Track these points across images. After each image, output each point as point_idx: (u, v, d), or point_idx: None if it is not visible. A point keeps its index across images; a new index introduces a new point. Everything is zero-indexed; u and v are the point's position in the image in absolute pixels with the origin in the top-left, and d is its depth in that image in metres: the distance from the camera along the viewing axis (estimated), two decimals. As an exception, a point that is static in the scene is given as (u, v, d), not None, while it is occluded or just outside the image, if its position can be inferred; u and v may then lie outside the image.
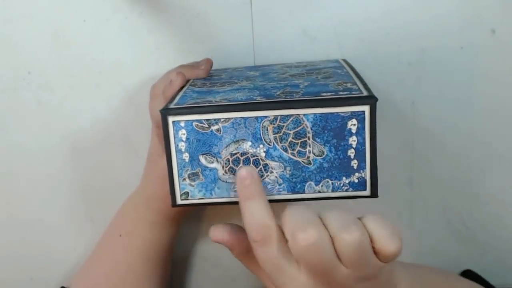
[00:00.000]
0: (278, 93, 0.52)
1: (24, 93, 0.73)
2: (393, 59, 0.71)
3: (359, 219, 0.48)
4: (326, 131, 0.49)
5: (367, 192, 0.50)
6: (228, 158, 0.50)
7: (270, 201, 0.50)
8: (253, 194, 0.48)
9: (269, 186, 0.51)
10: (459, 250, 0.79)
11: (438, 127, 0.73)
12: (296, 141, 0.49)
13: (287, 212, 0.47)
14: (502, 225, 0.78)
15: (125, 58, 0.72)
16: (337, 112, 0.48)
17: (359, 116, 0.48)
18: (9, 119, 0.74)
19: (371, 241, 0.46)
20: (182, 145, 0.50)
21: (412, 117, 0.73)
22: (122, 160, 0.76)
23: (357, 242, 0.44)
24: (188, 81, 0.62)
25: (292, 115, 0.49)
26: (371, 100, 0.48)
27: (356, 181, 0.50)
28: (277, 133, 0.49)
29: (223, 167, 0.50)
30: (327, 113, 0.48)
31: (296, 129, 0.49)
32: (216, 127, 0.49)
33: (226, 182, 0.51)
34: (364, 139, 0.49)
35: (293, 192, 0.51)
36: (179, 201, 0.52)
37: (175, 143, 0.50)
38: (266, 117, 0.49)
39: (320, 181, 0.50)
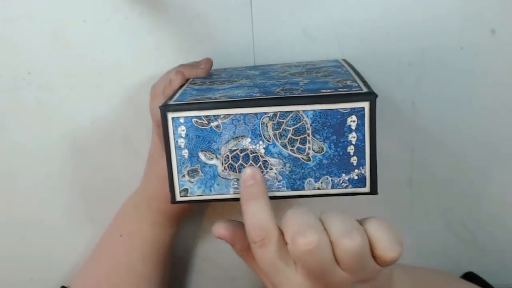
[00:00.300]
0: (277, 90, 0.52)
1: (24, 93, 0.73)
2: (393, 59, 0.71)
3: (360, 222, 0.48)
4: (325, 128, 0.49)
5: (367, 188, 0.50)
6: (227, 155, 0.50)
7: (270, 197, 0.50)
8: (256, 195, 0.48)
9: (268, 183, 0.51)
10: (459, 250, 0.78)
11: (438, 127, 0.73)
12: (296, 138, 0.49)
13: (288, 214, 0.47)
14: (502, 225, 0.77)
15: (125, 58, 0.72)
16: (336, 109, 0.48)
17: (359, 113, 0.48)
18: (9, 119, 0.74)
19: (371, 246, 0.46)
20: (182, 142, 0.50)
21: (412, 117, 0.73)
22: (122, 160, 0.76)
23: (357, 249, 0.45)
24: (187, 80, 0.62)
25: (291, 111, 0.49)
26: (370, 96, 0.48)
27: (356, 177, 0.50)
28: (276, 130, 0.49)
29: (222, 163, 0.50)
30: (326, 110, 0.48)
31: (296, 126, 0.49)
32: (215, 123, 0.49)
33: (226, 178, 0.51)
34: (363, 135, 0.49)
35: (293, 189, 0.51)
36: (178, 198, 0.52)
37: (174, 139, 0.50)
38: (265, 113, 0.49)
39: (319, 178, 0.50)
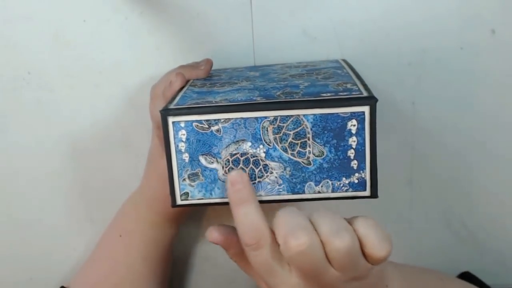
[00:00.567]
0: (278, 93, 0.52)
1: (24, 93, 0.73)
2: (393, 59, 0.71)
3: (349, 222, 0.48)
4: (326, 132, 0.49)
5: (367, 192, 0.50)
6: (228, 159, 0.50)
7: (270, 201, 0.50)
8: (245, 199, 0.48)
9: (269, 187, 0.51)
10: (458, 250, 0.79)
11: (438, 127, 0.73)
12: (296, 142, 0.49)
13: (279, 215, 0.48)
14: (501, 226, 0.77)
15: (125, 58, 0.72)
16: (337, 113, 0.48)
17: (359, 117, 0.48)
18: (9, 119, 0.74)
19: (361, 244, 0.47)
20: (182, 146, 0.50)
21: (412, 117, 0.73)
22: (122, 160, 0.76)
23: (347, 248, 0.45)
24: (188, 81, 0.62)
25: (292, 115, 0.49)
26: (371, 100, 0.48)
27: (356, 181, 0.50)
28: (277, 134, 0.49)
29: (223, 167, 0.50)
30: (327, 114, 0.48)
31: (296, 130, 0.49)
32: (216, 127, 0.49)
33: (226, 182, 0.51)
34: (364, 139, 0.49)
35: (293, 193, 0.51)
36: (179, 201, 0.52)
37: (175, 143, 0.50)
38: (266, 117, 0.49)
39: (320, 182, 0.50)
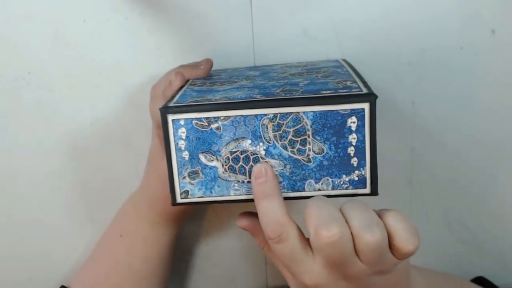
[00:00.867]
0: (277, 91, 0.52)
1: (24, 93, 0.73)
2: (393, 59, 0.71)
3: (379, 214, 0.48)
4: (326, 129, 0.49)
5: (367, 189, 0.50)
6: (228, 156, 0.50)
7: None
8: (268, 193, 0.49)
9: None
10: (458, 250, 0.79)
11: (438, 127, 0.73)
12: (296, 139, 0.49)
13: (311, 205, 0.48)
14: (502, 226, 0.78)
15: (125, 58, 0.72)
16: (336, 110, 0.48)
17: (359, 114, 0.48)
18: (9, 119, 0.74)
19: (390, 237, 0.47)
20: (182, 144, 0.50)
21: (412, 117, 0.73)
22: (122, 160, 0.76)
23: (377, 243, 0.45)
24: (187, 81, 0.62)
25: (291, 113, 0.49)
26: (370, 97, 0.48)
27: (356, 178, 0.50)
28: (276, 131, 0.49)
29: (223, 165, 0.50)
30: (326, 111, 0.48)
31: (296, 127, 0.49)
32: (215, 125, 0.49)
33: (226, 180, 0.51)
34: (364, 136, 0.49)
35: (293, 190, 0.51)
36: (179, 200, 0.52)
37: (174, 141, 0.50)
38: (265, 115, 0.49)
39: (320, 179, 0.50)
